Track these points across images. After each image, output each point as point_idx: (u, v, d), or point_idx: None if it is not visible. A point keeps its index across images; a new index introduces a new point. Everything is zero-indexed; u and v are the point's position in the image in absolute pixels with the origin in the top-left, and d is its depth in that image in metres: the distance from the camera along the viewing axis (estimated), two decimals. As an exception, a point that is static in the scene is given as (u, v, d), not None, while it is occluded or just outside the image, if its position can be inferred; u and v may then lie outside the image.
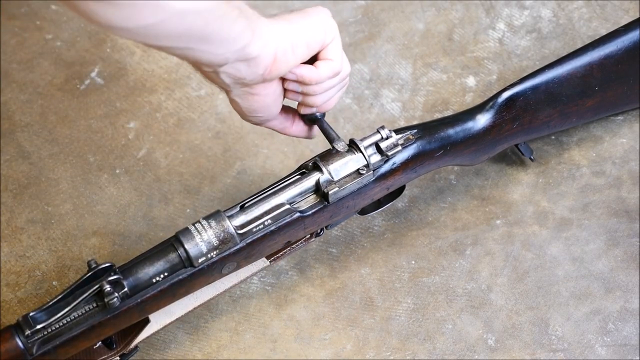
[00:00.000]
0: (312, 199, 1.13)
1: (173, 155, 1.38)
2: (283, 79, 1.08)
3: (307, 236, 1.18)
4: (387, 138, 1.15)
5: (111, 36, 1.48)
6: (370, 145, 1.14)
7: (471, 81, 1.44)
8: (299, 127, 1.16)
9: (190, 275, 1.07)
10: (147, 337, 1.17)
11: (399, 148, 1.15)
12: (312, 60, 1.08)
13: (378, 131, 1.15)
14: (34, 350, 1.03)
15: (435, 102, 1.42)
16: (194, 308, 1.18)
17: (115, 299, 1.04)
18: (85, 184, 1.36)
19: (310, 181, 1.13)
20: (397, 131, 1.17)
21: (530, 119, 1.25)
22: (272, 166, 1.37)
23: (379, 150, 1.14)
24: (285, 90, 1.10)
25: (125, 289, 1.05)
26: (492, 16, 1.48)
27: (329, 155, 1.13)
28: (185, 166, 1.37)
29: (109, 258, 1.30)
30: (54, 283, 1.28)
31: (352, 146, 1.13)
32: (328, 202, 1.12)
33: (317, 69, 1.08)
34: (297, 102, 1.13)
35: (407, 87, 1.43)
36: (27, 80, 1.44)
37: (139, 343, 1.17)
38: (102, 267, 1.05)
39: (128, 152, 1.39)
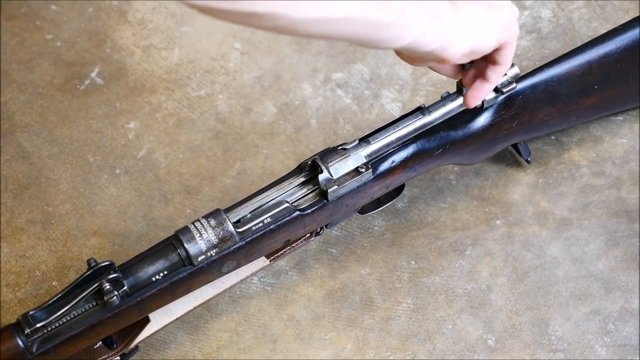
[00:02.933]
0: (311, 198, 1.13)
1: (173, 155, 1.38)
2: None
3: (307, 235, 1.18)
4: None
5: (111, 36, 1.48)
6: None
7: (471, 81, 1.43)
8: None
9: (190, 273, 1.07)
10: (147, 337, 1.17)
11: (514, 85, 1.18)
12: None
13: None
14: (34, 349, 1.03)
15: (435, 102, 1.42)
16: (194, 307, 1.18)
17: (115, 298, 1.04)
18: (85, 184, 1.36)
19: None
20: None
21: (530, 117, 1.25)
22: (272, 166, 1.37)
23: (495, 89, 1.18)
24: None
25: (125, 288, 1.06)
26: (492, 16, 1.48)
27: (328, 154, 1.13)
28: (185, 166, 1.37)
29: (109, 258, 1.29)
30: (54, 283, 1.28)
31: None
32: (327, 201, 1.12)
33: (489, 83, 1.08)
34: None
35: (407, 87, 1.43)
36: (27, 81, 1.44)
37: (139, 343, 1.17)
38: (102, 266, 1.05)
39: (128, 152, 1.39)
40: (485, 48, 1.03)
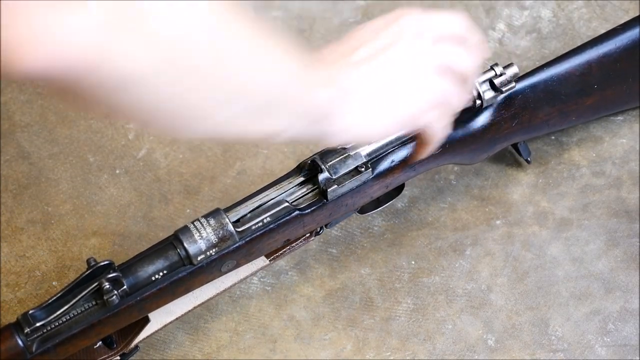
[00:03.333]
0: (311, 197, 1.13)
1: (173, 155, 1.38)
2: None
3: (307, 235, 1.18)
4: (500, 75, 1.17)
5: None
6: (484, 81, 1.17)
7: (471, 81, 1.43)
8: None
9: (190, 273, 1.07)
10: (147, 337, 1.17)
11: (513, 84, 1.18)
12: None
13: (492, 68, 1.17)
14: (34, 349, 1.03)
15: (435, 102, 1.42)
16: (194, 307, 1.18)
17: (115, 297, 1.04)
18: (85, 184, 1.36)
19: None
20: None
21: (530, 117, 1.25)
22: (272, 166, 1.37)
23: (493, 86, 1.17)
24: None
25: (125, 287, 1.06)
26: (492, 17, 1.48)
27: (327, 154, 1.13)
28: (185, 166, 1.37)
29: (108, 258, 1.29)
30: (54, 283, 1.28)
31: None
32: (327, 200, 1.12)
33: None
34: None
35: (407, 88, 1.43)
36: (27, 80, 1.44)
37: (139, 343, 1.16)
38: (101, 265, 1.05)
39: (128, 152, 1.39)
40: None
